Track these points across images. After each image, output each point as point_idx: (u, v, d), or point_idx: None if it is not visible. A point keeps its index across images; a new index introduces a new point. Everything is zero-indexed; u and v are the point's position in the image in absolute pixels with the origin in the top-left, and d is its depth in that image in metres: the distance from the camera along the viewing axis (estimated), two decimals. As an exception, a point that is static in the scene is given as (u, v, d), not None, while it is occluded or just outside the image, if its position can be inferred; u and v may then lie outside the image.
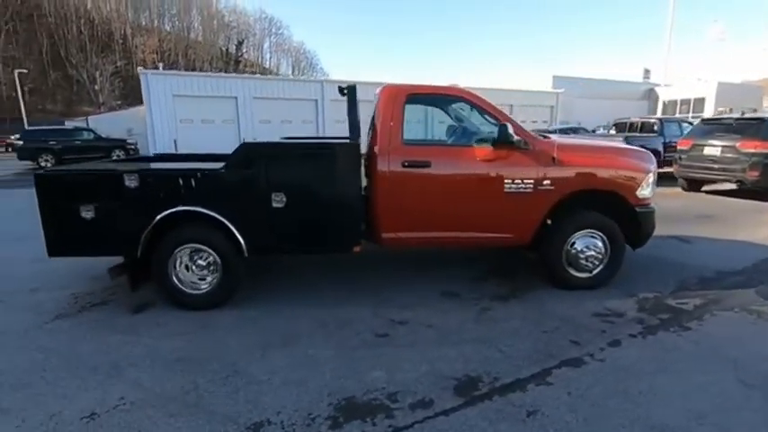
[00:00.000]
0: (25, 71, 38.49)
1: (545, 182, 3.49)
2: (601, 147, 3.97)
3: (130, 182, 3.17)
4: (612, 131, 11.62)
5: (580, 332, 3.00)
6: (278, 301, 3.56)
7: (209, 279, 3.38)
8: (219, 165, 3.29)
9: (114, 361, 2.70)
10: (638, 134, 10.64)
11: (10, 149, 26.12)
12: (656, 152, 9.82)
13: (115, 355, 2.77)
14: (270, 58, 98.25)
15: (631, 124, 11.12)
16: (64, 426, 2.11)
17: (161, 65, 44.30)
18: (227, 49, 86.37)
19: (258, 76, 31.41)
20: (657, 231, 3.82)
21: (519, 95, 27.21)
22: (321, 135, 22.57)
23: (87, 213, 3.19)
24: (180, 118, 19.32)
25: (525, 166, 3.49)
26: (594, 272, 3.70)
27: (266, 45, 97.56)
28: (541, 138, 3.78)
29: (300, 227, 3.35)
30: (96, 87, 55.41)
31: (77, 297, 3.68)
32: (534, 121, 26.31)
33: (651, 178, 3.69)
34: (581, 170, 3.54)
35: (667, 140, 10.17)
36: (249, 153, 3.31)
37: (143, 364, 2.66)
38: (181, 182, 3.19)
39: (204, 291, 3.37)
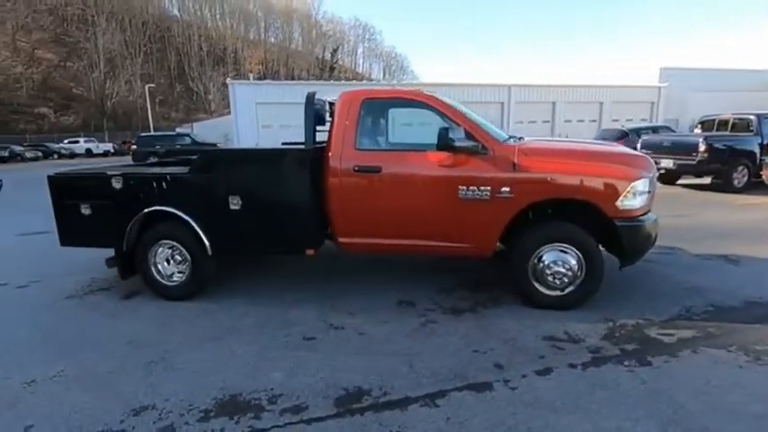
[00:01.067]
0: (153, 85, 44.79)
1: (503, 189, 3.23)
2: (575, 150, 3.52)
3: (116, 183, 3.64)
4: (698, 130, 10.04)
5: (514, 355, 2.73)
6: (241, 297, 3.79)
7: (181, 273, 3.73)
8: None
9: (80, 339, 3.14)
10: (727, 133, 9.07)
11: (56, 156, 32.40)
12: (749, 154, 8.36)
13: (84, 334, 3.22)
14: (363, 63, 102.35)
15: (721, 121, 9.49)
16: (9, 389, 2.53)
17: (249, 76, 48.59)
18: (322, 57, 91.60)
19: (331, 81, 32.95)
20: (705, 248, 3.26)
21: (610, 92, 24.89)
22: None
23: (85, 210, 3.73)
24: (262, 123, 21.14)
25: (481, 171, 3.26)
26: (566, 290, 3.32)
27: (360, 51, 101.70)
28: (512, 141, 3.50)
29: (256, 229, 3.54)
30: (210, 97, 62.36)
31: (93, 282, 4.31)
32: (629, 120, 23.82)
33: (640, 187, 3.19)
34: (545, 177, 3.19)
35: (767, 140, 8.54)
36: (209, 159, 3.58)
37: (98, 343, 3.05)
38: (154, 184, 3.57)
39: (176, 283, 3.73)
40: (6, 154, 28.86)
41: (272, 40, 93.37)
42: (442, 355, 2.76)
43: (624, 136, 11.36)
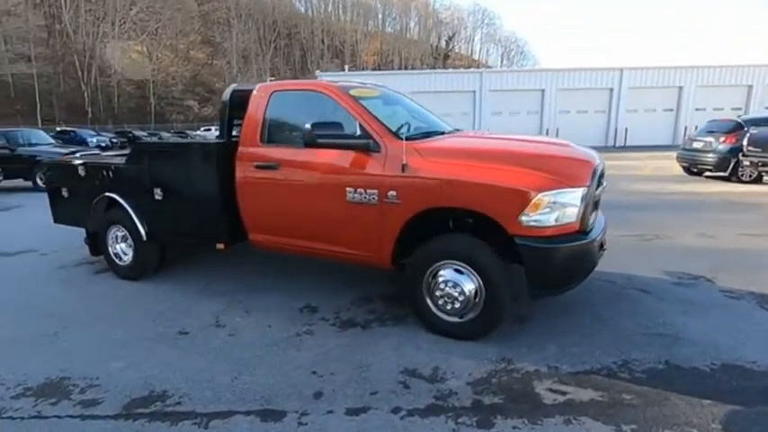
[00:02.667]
0: (273, 78, 49.23)
1: (390, 193, 2.80)
2: (487, 150, 2.85)
3: (81, 171, 4.08)
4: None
5: (347, 385, 2.38)
6: (174, 284, 3.97)
7: (127, 255, 4.06)
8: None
9: (30, 304, 3.62)
10: None
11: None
12: None
13: (36, 299, 3.71)
14: (480, 49, 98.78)
15: None
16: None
17: (364, 67, 50.00)
18: (437, 45, 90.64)
19: (416, 71, 32.26)
20: (749, 282, 2.47)
21: (693, 74, 20.05)
22: (476, 128, 21.89)
23: (65, 193, 4.28)
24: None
25: (369, 172, 2.88)
26: (465, 317, 2.78)
27: (477, 37, 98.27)
28: (420, 138, 3.02)
29: (174, 219, 3.67)
30: (325, 88, 66.02)
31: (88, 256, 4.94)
32: (718, 109, 19.06)
33: (553, 199, 2.48)
34: (431, 181, 2.68)
35: None
36: (138, 150, 3.79)
37: (39, 309, 3.49)
38: (105, 173, 3.93)
39: (125, 264, 4.07)
40: (157, 139, 34.69)
41: (389, 30, 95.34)
42: (276, 371, 2.54)
43: (738, 128, 9.03)
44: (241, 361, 2.67)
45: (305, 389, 2.37)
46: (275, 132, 3.36)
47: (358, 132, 2.96)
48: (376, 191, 2.85)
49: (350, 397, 2.29)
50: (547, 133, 21.94)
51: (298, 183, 3.17)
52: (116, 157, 4.21)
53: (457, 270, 2.72)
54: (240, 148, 3.40)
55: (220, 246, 3.55)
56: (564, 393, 2.27)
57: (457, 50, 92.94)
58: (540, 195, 2.46)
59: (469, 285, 2.69)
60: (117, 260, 4.12)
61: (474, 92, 21.88)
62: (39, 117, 38.32)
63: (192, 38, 64.67)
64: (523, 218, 2.49)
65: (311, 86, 3.31)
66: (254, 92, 3.44)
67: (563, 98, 21.79)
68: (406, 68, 72.10)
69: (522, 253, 2.53)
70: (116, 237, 4.09)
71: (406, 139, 2.96)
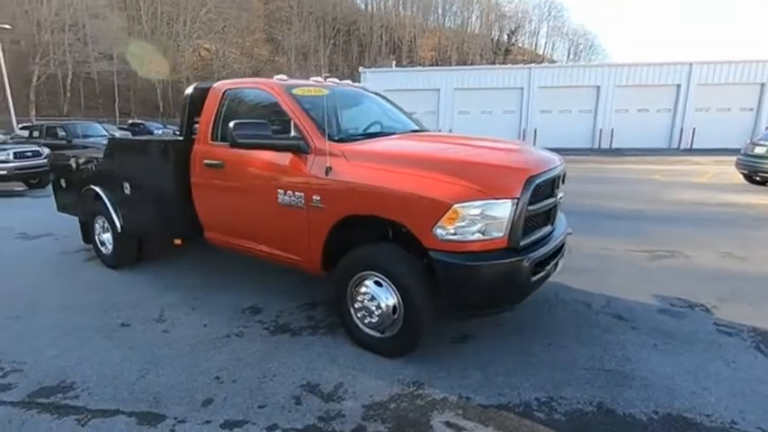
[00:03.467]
0: (328, 74, 50.30)
1: (315, 197, 2.67)
2: (414, 154, 2.59)
3: (72, 164, 4.35)
4: None
5: (239, 395, 2.31)
6: (154, 275, 4.12)
7: (110, 245, 4.27)
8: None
9: (19, 288, 3.91)
10: None
11: None
12: None
13: (26, 283, 4.01)
14: (545, 43, 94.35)
15: None
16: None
17: (421, 62, 49.41)
18: (497, 40, 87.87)
19: (462, 66, 31.07)
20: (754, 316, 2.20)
21: None
22: (523, 126, 20.90)
23: (63, 183, 4.58)
24: (388, 110, 21.73)
25: (297, 174, 2.77)
26: (386, 333, 2.60)
27: (543, 30, 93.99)
28: (358, 140, 2.85)
29: (139, 213, 3.79)
30: (380, 84, 66.54)
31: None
32: None
33: (479, 210, 2.22)
34: (354, 187, 2.51)
35: None
36: (111, 146, 3.94)
37: (22, 294, 3.75)
38: (90, 166, 4.15)
39: (107, 253, 4.29)
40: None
41: (449, 25, 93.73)
42: (183, 373, 2.52)
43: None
44: (158, 359, 2.69)
45: (199, 394, 2.33)
46: (225, 130, 3.34)
47: (293, 133, 2.86)
48: (303, 194, 2.74)
49: (236, 408, 2.21)
50: (600, 134, 20.42)
51: (239, 182, 3.13)
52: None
53: (377, 282, 2.55)
54: (195, 146, 3.43)
55: (177, 241, 3.62)
56: (460, 429, 2.04)
57: (519, 45, 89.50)
58: (456, 206, 2.22)
59: (388, 300, 2.50)
60: (102, 248, 4.35)
61: (522, 89, 20.83)
62: (116, 110, 42.04)
63: (256, 36, 67.75)
64: (438, 230, 2.26)
65: (256, 84, 3.25)
66: (211, 90, 3.44)
67: (621, 96, 20.10)
68: (464, 64, 70.66)
69: (436, 269, 2.30)
70: (102, 226, 4.32)
71: (341, 140, 2.82)
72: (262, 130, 2.72)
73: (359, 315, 2.64)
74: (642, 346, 2.75)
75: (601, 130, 20.49)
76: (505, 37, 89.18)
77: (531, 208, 2.40)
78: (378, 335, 2.63)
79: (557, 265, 2.76)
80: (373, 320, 2.56)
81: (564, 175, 2.98)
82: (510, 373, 2.49)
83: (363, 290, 2.59)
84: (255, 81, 3.25)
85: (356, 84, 4.19)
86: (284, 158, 2.85)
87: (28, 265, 4.54)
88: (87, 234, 4.56)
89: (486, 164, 2.42)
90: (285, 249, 3.01)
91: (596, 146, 20.83)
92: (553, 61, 77.36)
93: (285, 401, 2.26)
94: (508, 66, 23.99)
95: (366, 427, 2.06)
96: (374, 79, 21.22)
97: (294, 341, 2.89)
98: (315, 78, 3.52)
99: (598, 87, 20.30)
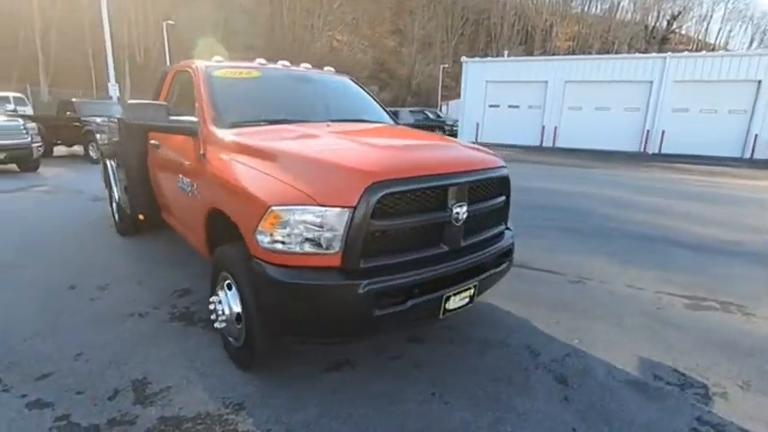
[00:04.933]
0: (447, 65, 49.52)
1: (193, 185, 2.51)
2: (270, 146, 2.15)
3: (102, 140, 4.89)
4: None
5: (66, 377, 2.30)
6: (150, 246, 4.45)
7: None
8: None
9: (30, 239, 4.60)
10: None
11: None
12: None
13: (39, 234, 4.68)
14: (719, 30, 79.13)
15: None
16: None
17: (556, 52, 45.39)
18: (653, 26, 76.50)
19: (576, 56, 26.94)
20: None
21: None
22: (648, 127, 17.76)
23: (98, 157, 5.20)
24: (489, 103, 20.33)
25: (188, 159, 2.64)
26: (241, 341, 2.34)
27: (718, 14, 79.00)
28: (250, 126, 2.58)
29: (124, 190, 4.07)
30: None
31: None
32: None
33: (300, 217, 1.81)
34: (211, 177, 2.27)
35: None
36: (119, 125, 4.27)
37: (28, 245, 4.40)
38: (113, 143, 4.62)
39: (116, 220, 4.77)
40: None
41: (595, 11, 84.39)
42: (54, 342, 2.62)
43: None
44: (53, 325, 2.83)
45: (46, 367, 2.37)
46: (177, 113, 3.36)
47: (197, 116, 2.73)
48: (189, 180, 2.61)
49: (60, 388, 2.20)
50: (755, 140, 16.16)
51: (163, 163, 3.13)
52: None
53: (229, 285, 2.30)
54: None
55: (141, 217, 3.80)
56: (222, 474, 1.71)
57: (683, 32, 76.56)
58: (274, 209, 1.86)
59: (233, 306, 2.24)
60: (114, 216, 4.84)
61: (651, 82, 17.52)
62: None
63: (384, 27, 69.68)
64: (259, 236, 1.92)
65: (187, 66, 3.17)
66: (171, 69, 3.49)
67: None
68: (608, 52, 63.16)
69: (251, 278, 1.96)
70: (109, 197, 4.80)
71: (234, 125, 2.60)
72: (157, 112, 2.63)
73: (215, 317, 2.43)
74: (549, 430, 2.01)
75: (756, 136, 16.25)
76: (665, 23, 76.99)
77: (384, 223, 1.90)
78: (233, 341, 2.39)
79: (470, 298, 2.19)
80: (221, 326, 2.32)
81: (487, 185, 2.33)
82: (350, 419, 2.03)
83: (221, 292, 2.36)
84: (188, 63, 3.18)
85: (326, 69, 3.89)
86: (187, 142, 2.74)
87: (53, 217, 5.29)
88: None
89: (329, 163, 1.96)
90: (189, 235, 2.92)
91: (748, 155, 16.65)
92: (727, 50, 64.48)
93: (104, 393, 2.18)
94: (635, 55, 20.45)
95: (135, 440, 1.87)
96: (475, 70, 20.12)
97: (180, 332, 2.80)
98: (259, 60, 3.33)
99: (759, 82, 16.07)
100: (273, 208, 1.86)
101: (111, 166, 4.48)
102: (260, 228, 1.90)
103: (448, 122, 22.28)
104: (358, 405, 2.13)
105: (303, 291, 1.86)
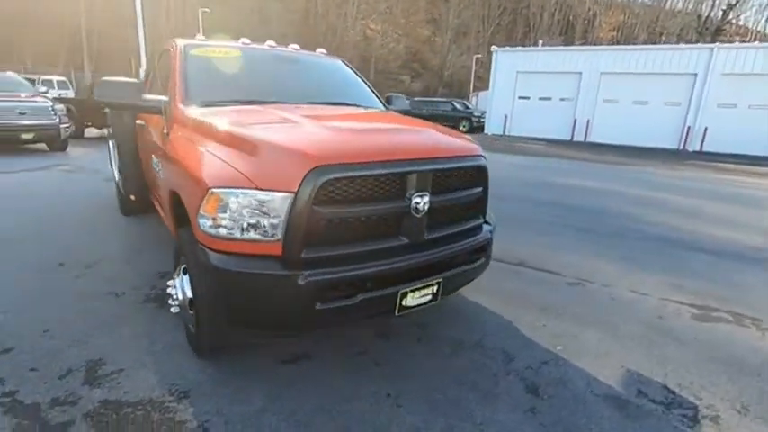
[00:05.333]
0: (480, 55, 48.31)
1: (160, 165, 2.45)
2: (223, 127, 2.03)
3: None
4: None
5: (25, 351, 2.30)
6: (148, 226, 4.50)
7: (120, 193, 4.81)
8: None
9: (31, 212, 4.73)
10: None
11: None
12: None
13: (46, 210, 4.81)
14: (788, 21, 73.29)
15: None
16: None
17: (597, 43, 43.42)
18: (707, 17, 72.01)
19: (614, 47, 25.32)
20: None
21: None
22: (689, 123, 16.67)
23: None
24: (519, 94, 19.63)
25: (157, 137, 2.58)
26: (194, 329, 2.27)
27: (788, 5, 73.29)
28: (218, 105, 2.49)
29: (119, 170, 4.10)
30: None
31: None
32: None
33: (240, 201, 1.71)
34: (169, 157, 2.20)
35: None
36: None
37: (30, 222, 4.54)
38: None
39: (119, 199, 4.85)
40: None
41: (642, 1, 80.00)
42: (30, 315, 2.65)
43: None
44: (35, 299, 2.87)
45: (9, 342, 2.39)
46: (155, 89, 3.32)
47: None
48: (158, 160, 2.55)
49: (16, 365, 2.20)
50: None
51: (144, 144, 3.10)
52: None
53: (185, 269, 2.23)
54: (142, 106, 3.52)
55: (131, 197, 3.82)
56: None
57: (740, 23, 71.67)
58: (214, 191, 1.76)
59: (187, 291, 2.17)
60: (117, 195, 4.93)
61: (695, 75, 16.31)
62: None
63: (418, 16, 68.60)
64: (201, 219, 1.83)
65: (169, 44, 3.11)
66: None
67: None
68: (654, 43, 59.99)
69: (195, 266, 1.88)
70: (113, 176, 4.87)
71: (203, 105, 2.51)
72: (128, 90, 2.57)
73: (171, 301, 2.37)
74: (506, 441, 1.85)
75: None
76: (720, 13, 72.31)
77: (330, 210, 1.76)
78: (190, 327, 2.32)
79: (433, 295, 2.04)
80: (176, 311, 2.27)
81: (458, 174, 2.15)
82: (293, 416, 1.93)
83: (177, 276, 2.30)
84: (171, 41, 3.11)
85: (318, 51, 3.75)
86: (160, 122, 2.69)
87: (63, 194, 5.43)
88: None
89: (274, 145, 1.84)
90: (164, 216, 2.89)
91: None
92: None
93: (57, 371, 2.17)
94: (678, 45, 19.12)
95: (72, 423, 1.83)
96: (505, 60, 19.39)
97: (151, 314, 2.77)
98: (243, 40, 3.22)
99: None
100: (213, 190, 1.76)
101: (111, 146, 4.53)
102: (201, 211, 1.81)
103: (475, 114, 21.69)
104: (305, 401, 2.02)
105: (241, 280, 1.76)
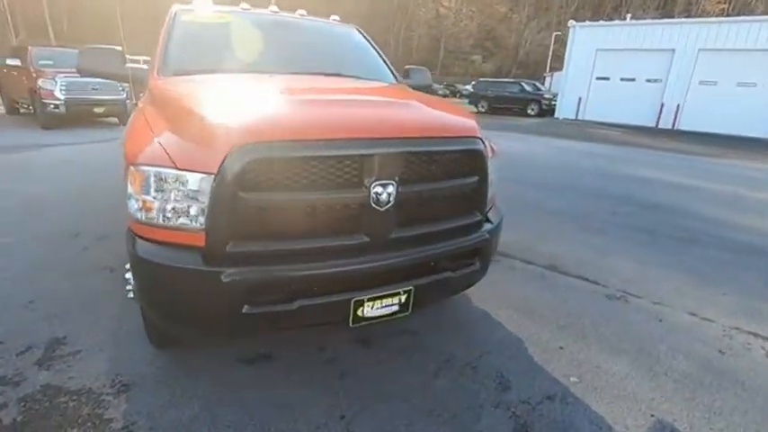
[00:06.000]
0: (560, 33, 44.73)
1: (130, 140, 2.28)
2: (180, 98, 1.77)
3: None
4: None
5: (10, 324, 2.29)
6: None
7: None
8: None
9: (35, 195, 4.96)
10: None
11: (458, 95, 36.15)
12: None
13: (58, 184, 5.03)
14: None
15: None
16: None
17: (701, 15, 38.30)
18: None
19: (718, 18, 21.33)
20: None
21: None
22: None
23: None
24: (597, 75, 17.71)
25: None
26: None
27: None
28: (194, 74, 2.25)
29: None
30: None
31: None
32: None
33: (158, 181, 1.47)
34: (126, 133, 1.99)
35: None
36: None
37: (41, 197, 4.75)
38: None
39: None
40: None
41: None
42: (19, 291, 2.67)
43: None
44: (32, 269, 2.91)
45: (-6, 311, 2.42)
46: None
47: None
48: (136, 133, 2.39)
49: (-13, 335, 2.20)
50: None
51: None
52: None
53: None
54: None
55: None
56: (50, 467, 1.50)
57: None
58: (132, 168, 1.53)
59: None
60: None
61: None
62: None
63: (496, -8, 64.92)
64: (129, 201, 1.61)
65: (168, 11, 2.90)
66: None
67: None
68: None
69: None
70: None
71: (175, 74, 2.30)
72: (108, 58, 2.42)
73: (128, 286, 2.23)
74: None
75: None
76: None
77: (261, 198, 1.45)
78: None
79: (401, 306, 1.69)
80: (131, 296, 2.11)
81: (442, 159, 1.72)
82: (227, 430, 1.69)
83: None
84: (172, 7, 2.91)
85: (332, 18, 3.38)
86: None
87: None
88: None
89: (202, 119, 1.54)
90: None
91: None
92: None
93: (18, 347, 2.12)
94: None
95: (5, 406, 1.74)
96: (583, 36, 17.45)
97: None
98: (243, 5, 2.95)
99: None
100: (133, 167, 1.52)
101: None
102: (128, 191, 1.59)
103: (546, 96, 19.97)
104: (245, 413, 1.77)
105: (161, 272, 1.52)
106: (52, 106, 8.68)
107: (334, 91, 2.11)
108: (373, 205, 1.58)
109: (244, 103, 1.67)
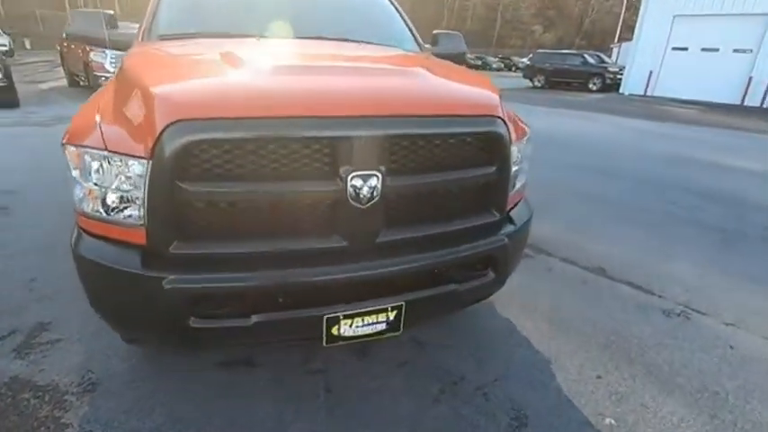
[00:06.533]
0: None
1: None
2: (143, 65, 1.48)
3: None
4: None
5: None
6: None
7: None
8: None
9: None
10: None
11: (514, 69, 34.50)
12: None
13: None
14: None
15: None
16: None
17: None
18: None
19: None
20: None
21: None
22: None
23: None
24: (673, 45, 15.75)
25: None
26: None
27: None
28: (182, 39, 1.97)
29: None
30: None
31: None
32: None
33: (89, 163, 1.24)
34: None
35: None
36: None
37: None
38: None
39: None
40: (479, 63, 36.00)
41: None
42: (25, 265, 2.63)
43: None
44: (46, 246, 2.86)
45: (-8, 291, 2.37)
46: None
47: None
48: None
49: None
50: None
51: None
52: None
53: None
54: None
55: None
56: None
57: None
58: (67, 147, 1.30)
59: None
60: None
61: None
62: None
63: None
64: (77, 188, 1.38)
65: None
66: None
67: None
68: None
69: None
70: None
71: (163, 38, 2.04)
72: (91, 23, 2.20)
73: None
74: None
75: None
76: None
77: (208, 189, 1.17)
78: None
79: (389, 324, 1.39)
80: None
81: (445, 144, 1.35)
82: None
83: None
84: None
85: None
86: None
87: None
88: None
89: (139, 88, 1.25)
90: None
91: None
92: None
93: (4, 330, 2.04)
94: None
95: (-34, 402, 1.64)
96: (659, 1, 15.43)
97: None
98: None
99: None
100: (67, 147, 1.29)
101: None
102: (73, 172, 1.36)
103: (610, 69, 18.12)
104: (211, 429, 1.56)
105: (98, 273, 1.30)
106: (103, 79, 8.95)
107: (324, 57, 1.77)
108: (351, 202, 1.24)
109: (196, 71, 1.38)
